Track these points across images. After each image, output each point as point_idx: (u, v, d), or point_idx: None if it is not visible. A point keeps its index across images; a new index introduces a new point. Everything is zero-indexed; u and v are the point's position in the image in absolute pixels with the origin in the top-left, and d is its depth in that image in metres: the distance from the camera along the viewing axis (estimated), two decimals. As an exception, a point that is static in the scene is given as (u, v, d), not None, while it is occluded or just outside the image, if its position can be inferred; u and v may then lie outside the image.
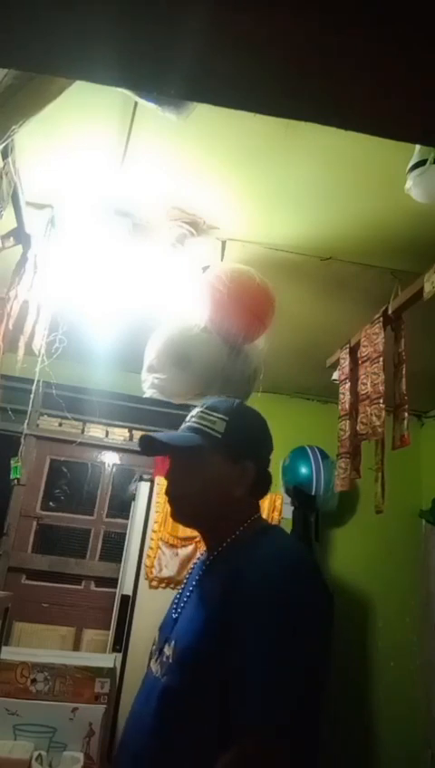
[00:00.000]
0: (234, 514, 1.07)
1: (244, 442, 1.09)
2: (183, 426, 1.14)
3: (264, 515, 1.24)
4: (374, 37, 0.71)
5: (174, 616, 1.05)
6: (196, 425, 1.09)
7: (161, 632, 1.08)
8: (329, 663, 0.93)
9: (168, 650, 0.98)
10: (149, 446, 1.12)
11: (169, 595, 2.67)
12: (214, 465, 1.06)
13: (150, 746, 0.93)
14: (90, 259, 2.00)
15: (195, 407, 1.17)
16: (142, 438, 1.11)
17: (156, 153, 1.66)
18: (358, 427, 2.13)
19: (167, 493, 1.11)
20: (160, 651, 1.01)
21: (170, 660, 0.96)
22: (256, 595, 0.89)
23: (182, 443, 1.10)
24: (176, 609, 1.07)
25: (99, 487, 3.48)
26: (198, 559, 1.17)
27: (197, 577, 1.07)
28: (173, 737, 0.91)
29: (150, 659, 1.06)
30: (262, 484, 1.12)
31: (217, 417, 1.08)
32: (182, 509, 1.11)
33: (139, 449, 1.15)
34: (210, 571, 1.05)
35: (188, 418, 1.13)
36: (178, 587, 2.63)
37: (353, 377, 2.27)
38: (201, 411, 1.11)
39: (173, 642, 0.97)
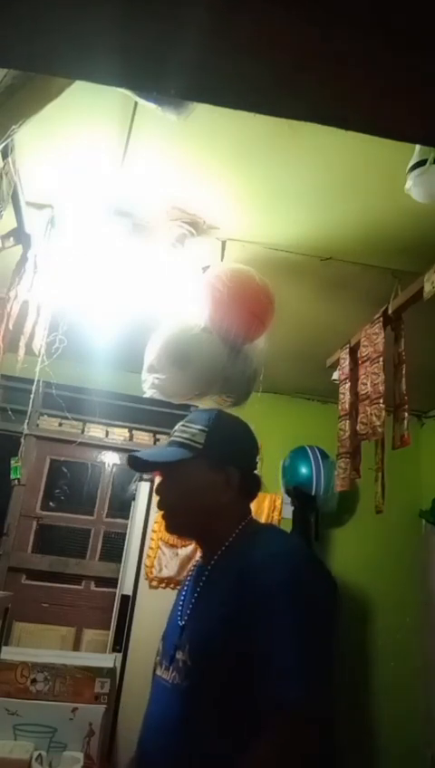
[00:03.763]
0: (225, 520, 1.11)
1: (224, 449, 1.13)
2: (167, 440, 1.20)
3: (264, 515, 1.28)
4: (374, 37, 0.71)
5: (180, 624, 1.07)
6: (178, 438, 1.15)
7: (167, 641, 1.09)
8: (337, 644, 0.97)
9: (182, 656, 0.99)
10: (137, 465, 1.19)
11: (169, 595, 2.67)
12: (198, 475, 1.12)
13: (181, 755, 0.94)
14: (90, 259, 2.00)
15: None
16: (129, 458, 1.18)
17: (156, 153, 1.66)
18: (358, 427, 2.13)
19: (159, 507, 1.16)
20: (172, 659, 1.02)
21: (189, 664, 0.97)
22: (272, 586, 0.93)
23: (165, 458, 1.17)
24: (180, 617, 1.08)
25: (99, 487, 3.48)
26: (194, 566, 1.20)
27: (200, 584, 1.10)
28: (206, 738, 0.92)
29: (157, 669, 1.07)
30: (249, 487, 1.17)
31: (197, 429, 1.14)
32: (174, 521, 1.16)
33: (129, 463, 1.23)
34: (212, 577, 1.08)
35: (171, 433, 1.19)
36: (178, 587, 2.67)
37: (353, 377, 2.27)
38: (182, 425, 1.17)
39: (187, 647, 0.99)
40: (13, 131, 1.19)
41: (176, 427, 1.19)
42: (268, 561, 0.99)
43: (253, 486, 1.18)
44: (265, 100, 0.82)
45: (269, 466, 3.15)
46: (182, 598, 1.13)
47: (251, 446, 1.21)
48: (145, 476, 2.93)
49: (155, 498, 1.17)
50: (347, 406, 2.26)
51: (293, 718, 0.85)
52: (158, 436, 3.57)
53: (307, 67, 0.75)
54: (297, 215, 1.90)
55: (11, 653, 2.38)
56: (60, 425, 3.44)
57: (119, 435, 3.51)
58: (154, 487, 1.20)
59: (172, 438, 1.18)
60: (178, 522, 1.16)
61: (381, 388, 2.02)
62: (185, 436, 1.14)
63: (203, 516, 1.12)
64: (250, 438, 1.21)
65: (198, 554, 2.95)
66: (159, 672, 1.06)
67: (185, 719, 0.95)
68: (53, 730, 2.24)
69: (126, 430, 3.53)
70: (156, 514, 2.79)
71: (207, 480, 1.11)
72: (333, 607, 1.00)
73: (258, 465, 1.23)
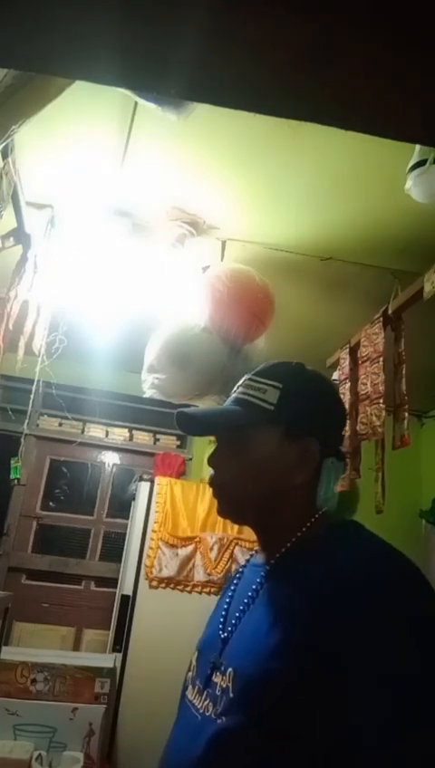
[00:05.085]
0: (296, 507, 0.84)
1: (304, 414, 0.86)
2: (230, 397, 0.93)
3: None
4: (374, 37, 0.71)
5: (222, 635, 0.82)
6: (242, 396, 0.88)
7: (202, 654, 0.84)
8: None
9: (221, 680, 0.75)
10: (188, 426, 0.93)
11: (169, 595, 2.69)
12: (265, 444, 0.85)
13: None
14: (90, 259, 2.00)
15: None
16: (178, 416, 0.90)
17: (156, 153, 1.66)
18: (358, 427, 2.13)
19: (210, 483, 0.90)
20: (208, 681, 0.78)
21: (231, 694, 0.71)
22: (374, 619, 0.67)
23: (223, 420, 0.90)
24: (223, 626, 0.83)
25: (99, 487, 3.48)
26: (247, 561, 0.95)
27: (253, 587, 0.83)
28: None
29: (187, 688, 0.84)
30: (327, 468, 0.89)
31: (269, 385, 0.87)
32: (228, 501, 0.88)
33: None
34: (273, 580, 0.82)
35: (235, 388, 0.93)
36: (178, 587, 2.67)
37: (353, 377, 2.27)
38: (250, 379, 0.90)
39: (230, 670, 0.74)
40: (13, 131, 1.19)
41: (241, 381, 0.92)
42: (364, 578, 0.71)
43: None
44: (265, 100, 0.82)
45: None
46: (227, 601, 0.88)
47: (337, 414, 0.92)
48: (145, 476, 2.93)
49: (208, 471, 0.91)
50: (347, 406, 2.26)
51: None
52: (158, 436, 3.57)
53: (307, 67, 0.75)
54: (297, 215, 1.90)
55: (11, 653, 2.38)
56: (60, 425, 3.45)
57: (119, 435, 3.51)
58: (206, 457, 0.93)
59: (236, 395, 0.90)
60: (232, 503, 0.88)
61: (381, 388, 2.02)
62: (251, 392, 0.87)
63: (267, 499, 0.85)
64: (336, 404, 0.92)
65: (199, 553, 2.92)
66: (189, 695, 0.81)
67: (213, 767, 0.69)
68: (53, 730, 2.24)
69: (126, 430, 3.53)
70: (156, 514, 2.79)
71: (277, 452, 0.84)
72: None
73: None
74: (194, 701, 0.78)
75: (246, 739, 0.68)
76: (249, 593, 0.82)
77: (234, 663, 0.74)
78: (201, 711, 0.75)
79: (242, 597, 0.84)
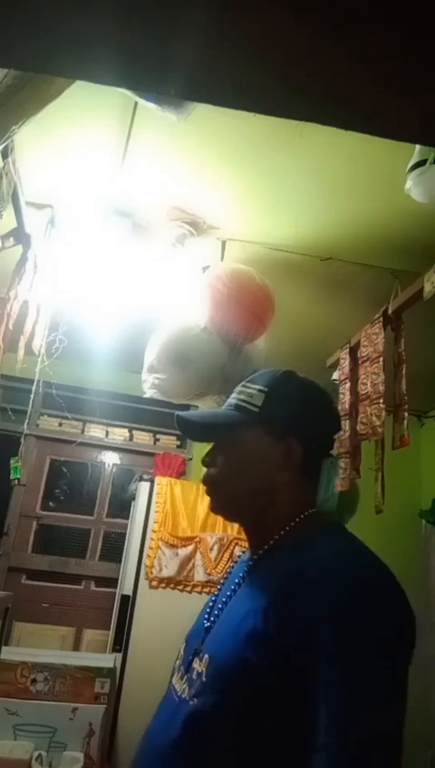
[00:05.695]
0: (280, 505, 0.89)
1: (285, 415, 0.92)
2: (225, 404, 1.00)
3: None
4: (374, 37, 0.71)
5: (206, 624, 0.88)
6: (235, 400, 0.96)
7: (189, 643, 0.89)
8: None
9: (198, 666, 0.80)
10: (186, 429, 1.01)
11: (169, 595, 2.70)
12: (252, 443, 0.91)
13: None
14: (90, 259, 2.00)
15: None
16: (178, 419, 0.98)
17: (156, 153, 1.66)
18: (358, 427, 2.13)
19: (203, 481, 0.96)
20: (189, 667, 0.83)
21: (203, 678, 0.77)
22: (337, 610, 0.71)
23: (215, 421, 0.99)
24: (208, 616, 0.89)
25: (99, 487, 3.48)
26: (238, 558, 1.01)
27: (236, 580, 0.89)
28: None
29: (173, 675, 0.88)
30: (317, 468, 0.95)
31: (256, 390, 0.94)
32: (220, 497, 0.94)
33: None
34: (253, 574, 0.87)
35: (231, 395, 1.00)
36: (178, 587, 2.67)
37: (353, 377, 2.27)
38: (242, 385, 0.97)
39: (206, 656, 0.79)
40: (13, 131, 1.19)
41: (236, 387, 0.99)
42: (334, 571, 0.75)
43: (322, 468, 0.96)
44: (265, 100, 0.82)
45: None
46: (216, 593, 0.95)
47: (323, 416, 0.97)
48: (145, 476, 2.93)
49: (202, 470, 0.97)
50: (347, 406, 2.26)
51: None
52: (158, 436, 3.57)
53: (307, 67, 0.75)
54: (297, 215, 1.90)
55: (11, 653, 2.38)
56: (60, 425, 3.45)
57: (119, 435, 3.51)
58: (201, 458, 0.99)
59: (229, 400, 0.97)
60: (224, 501, 0.94)
61: (382, 388, 2.02)
62: (242, 397, 0.94)
63: (254, 496, 0.90)
64: (321, 406, 0.97)
65: (199, 553, 2.93)
66: (173, 680, 0.86)
67: (181, 747, 0.74)
68: (53, 730, 2.25)
69: (126, 430, 3.54)
70: (156, 514, 2.79)
71: (262, 451, 0.90)
72: (412, 646, 0.78)
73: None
74: (175, 685, 0.84)
75: (217, 721, 0.73)
76: (232, 586, 0.88)
77: (210, 650, 0.80)
78: (179, 694, 0.80)
79: (226, 590, 0.90)
